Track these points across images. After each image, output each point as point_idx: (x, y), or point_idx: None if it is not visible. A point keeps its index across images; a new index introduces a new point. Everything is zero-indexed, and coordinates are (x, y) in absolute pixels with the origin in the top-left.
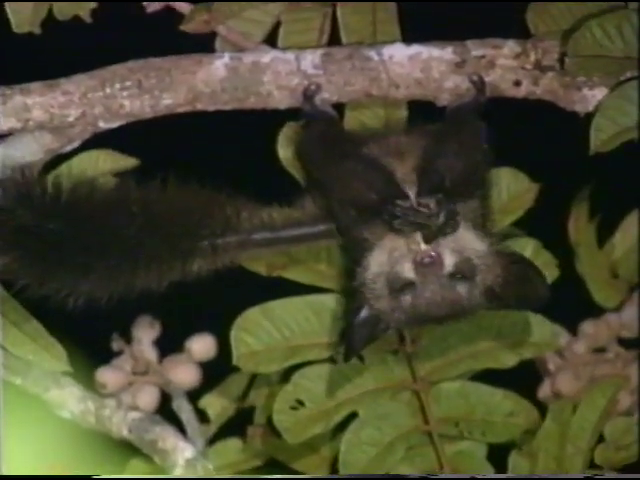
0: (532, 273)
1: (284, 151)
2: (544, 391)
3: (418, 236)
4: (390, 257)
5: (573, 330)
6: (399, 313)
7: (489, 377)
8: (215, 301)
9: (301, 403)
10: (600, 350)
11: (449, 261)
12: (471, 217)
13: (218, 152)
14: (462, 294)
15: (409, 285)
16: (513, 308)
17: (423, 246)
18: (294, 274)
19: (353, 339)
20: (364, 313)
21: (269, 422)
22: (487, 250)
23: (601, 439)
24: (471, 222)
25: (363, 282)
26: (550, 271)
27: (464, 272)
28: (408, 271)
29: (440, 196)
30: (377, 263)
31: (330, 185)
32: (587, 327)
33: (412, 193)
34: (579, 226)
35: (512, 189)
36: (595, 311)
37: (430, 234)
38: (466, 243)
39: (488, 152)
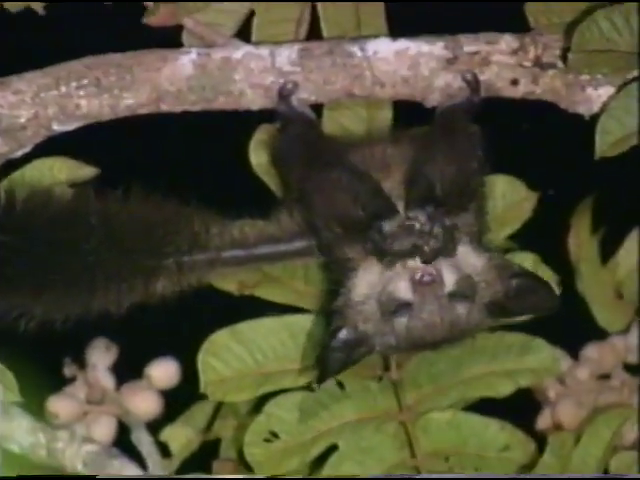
0: (535, 284)
1: (257, 157)
2: (543, 422)
3: None
4: (382, 276)
5: (575, 354)
6: (389, 337)
7: (483, 407)
8: (179, 322)
9: (275, 435)
10: (604, 377)
11: (450, 279)
12: (466, 232)
13: (185, 159)
14: (461, 315)
15: (405, 306)
16: (519, 317)
17: (421, 263)
18: (268, 293)
19: (329, 361)
20: (344, 334)
21: (239, 455)
22: (486, 266)
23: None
24: (467, 237)
25: (347, 303)
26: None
27: (465, 291)
28: (405, 291)
29: (431, 209)
30: (366, 283)
31: (310, 197)
32: (590, 351)
33: (401, 209)
34: (580, 240)
35: (508, 198)
36: (598, 334)
37: (427, 256)
38: (463, 260)
39: (483, 159)
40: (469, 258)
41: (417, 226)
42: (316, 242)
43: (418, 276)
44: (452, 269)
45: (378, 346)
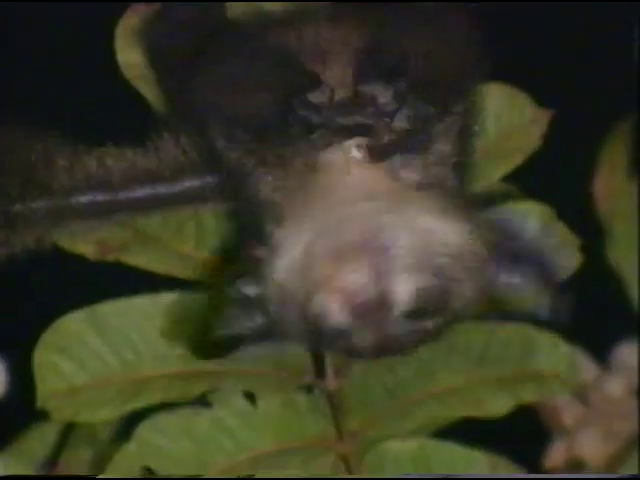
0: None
1: (125, 53)
2: (555, 457)
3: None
4: (307, 255)
5: (603, 358)
6: (313, 333)
7: (465, 432)
8: (9, 305)
9: (151, 473)
10: None
11: (403, 294)
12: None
13: (17, 55)
14: (426, 327)
15: (339, 333)
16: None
17: (355, 275)
18: (141, 259)
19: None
20: (249, 287)
21: None
22: (465, 243)
23: None
24: (438, 184)
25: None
26: (569, 258)
27: (428, 308)
28: (338, 313)
29: (401, 85)
30: (290, 257)
31: (206, 101)
32: (625, 353)
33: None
34: (613, 185)
35: (505, 119)
36: (637, 326)
37: (378, 138)
38: (430, 233)
39: (477, 43)
40: (439, 230)
41: (370, 107)
42: (218, 175)
43: (349, 296)
44: (410, 272)
45: (294, 337)
